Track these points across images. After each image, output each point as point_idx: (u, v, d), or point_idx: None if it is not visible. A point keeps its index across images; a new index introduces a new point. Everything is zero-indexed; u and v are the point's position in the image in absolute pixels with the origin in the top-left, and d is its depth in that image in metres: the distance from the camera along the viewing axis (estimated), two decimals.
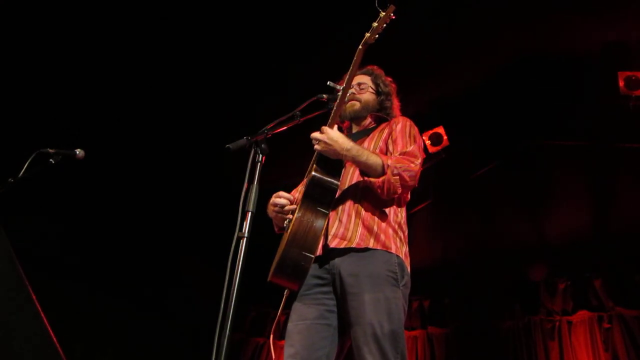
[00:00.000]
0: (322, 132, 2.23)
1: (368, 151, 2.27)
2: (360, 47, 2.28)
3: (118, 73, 4.70)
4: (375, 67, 2.66)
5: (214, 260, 3.40)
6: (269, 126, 2.00)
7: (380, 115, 2.62)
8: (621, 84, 4.51)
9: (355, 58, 2.28)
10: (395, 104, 2.68)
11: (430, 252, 6.12)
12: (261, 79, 4.83)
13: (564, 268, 5.78)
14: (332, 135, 2.22)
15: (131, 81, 4.75)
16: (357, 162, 2.24)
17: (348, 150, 2.21)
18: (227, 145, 1.85)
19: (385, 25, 2.23)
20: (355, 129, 2.61)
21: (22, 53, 4.37)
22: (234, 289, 1.64)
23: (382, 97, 2.64)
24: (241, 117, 4.81)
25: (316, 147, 2.24)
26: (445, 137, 5.35)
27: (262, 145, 1.90)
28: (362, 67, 2.66)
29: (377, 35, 2.25)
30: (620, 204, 5.45)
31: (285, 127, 2.07)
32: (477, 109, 5.22)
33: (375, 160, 2.23)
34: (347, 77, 2.30)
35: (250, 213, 1.77)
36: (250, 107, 4.92)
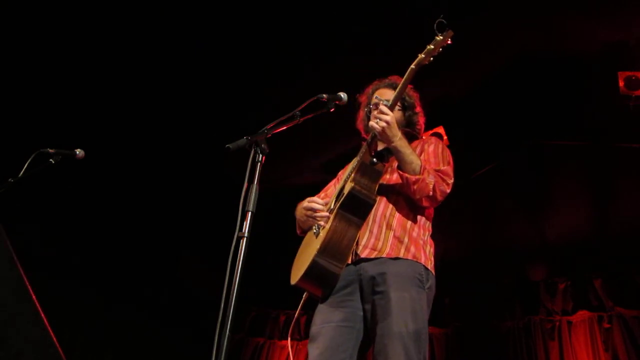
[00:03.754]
0: (385, 113, 2.24)
1: (411, 148, 2.31)
2: (412, 66, 2.26)
3: (118, 73, 4.70)
4: (397, 77, 2.60)
5: (214, 260, 3.40)
6: (269, 126, 2.00)
7: (410, 131, 2.61)
8: (621, 84, 4.51)
9: (405, 77, 2.28)
10: (420, 113, 2.69)
11: None
12: (261, 78, 4.83)
13: (564, 268, 5.78)
14: (394, 121, 2.25)
15: (131, 81, 4.75)
16: (399, 153, 2.26)
17: (400, 138, 2.26)
18: (227, 145, 1.84)
19: (441, 49, 2.21)
20: (382, 145, 2.53)
21: (22, 53, 4.37)
22: (234, 289, 1.64)
23: (409, 112, 2.64)
24: (242, 116, 4.81)
25: (375, 125, 2.25)
26: (445, 137, 5.35)
27: (262, 145, 1.89)
28: (382, 78, 2.67)
29: (431, 58, 2.23)
30: (620, 204, 5.45)
31: (285, 127, 2.07)
32: (477, 109, 5.22)
33: (416, 158, 2.27)
34: (394, 97, 2.33)
35: (250, 213, 1.76)
36: (251, 107, 4.92)
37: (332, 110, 2.25)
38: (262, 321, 6.90)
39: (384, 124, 2.23)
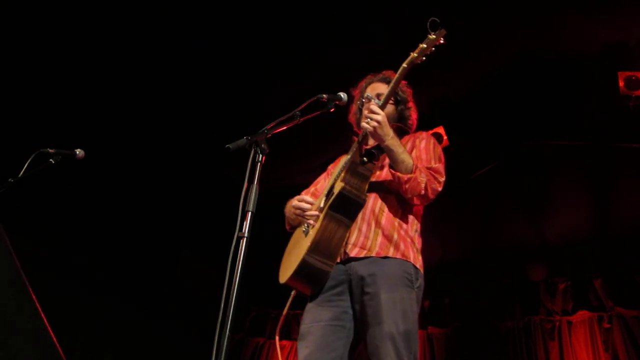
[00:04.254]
0: (376, 112, 2.24)
1: (403, 147, 2.30)
2: (404, 65, 2.26)
3: (118, 72, 4.69)
4: (390, 72, 2.59)
5: (214, 260, 3.40)
6: (269, 126, 2.00)
7: (401, 126, 2.61)
8: (621, 84, 4.51)
9: (397, 75, 2.28)
10: (413, 108, 2.67)
11: (430, 252, 6.10)
12: (262, 78, 4.83)
13: (564, 268, 5.78)
14: (386, 120, 2.25)
15: (131, 81, 4.75)
16: (392, 152, 2.27)
17: (392, 137, 2.26)
18: (227, 145, 1.84)
19: (433, 48, 2.21)
20: (372, 141, 2.48)
21: (22, 53, 4.37)
22: (234, 289, 1.64)
23: (402, 106, 2.63)
24: (242, 116, 4.81)
25: (366, 125, 2.25)
26: (445, 137, 5.35)
27: (262, 145, 1.89)
28: (376, 73, 2.66)
29: (424, 57, 2.23)
30: (620, 204, 5.45)
31: (285, 127, 2.07)
32: (477, 109, 5.22)
33: (408, 157, 2.27)
34: (386, 94, 2.33)
35: (250, 213, 1.76)
36: (251, 107, 4.92)
37: (332, 110, 2.25)
38: (262, 321, 6.90)
39: (375, 124, 2.23)
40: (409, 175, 2.24)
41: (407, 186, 2.25)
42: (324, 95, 2.27)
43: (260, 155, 1.88)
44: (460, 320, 6.07)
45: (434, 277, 5.87)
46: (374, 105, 2.28)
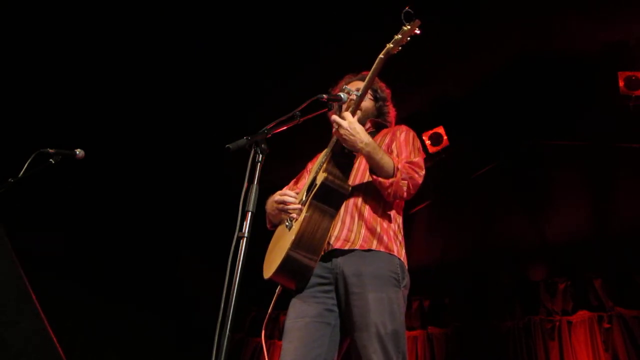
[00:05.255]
0: (344, 119, 2.26)
1: (382, 151, 2.31)
2: (381, 56, 2.27)
3: (118, 73, 4.70)
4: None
5: (214, 260, 3.40)
6: (269, 126, 2.00)
7: (379, 121, 2.64)
8: (621, 84, 4.51)
9: (374, 66, 2.29)
10: (391, 108, 2.71)
11: (430, 252, 6.12)
12: (261, 78, 4.83)
13: (564, 268, 5.78)
14: (355, 126, 2.26)
15: (131, 81, 4.75)
16: (371, 159, 2.27)
17: (367, 144, 2.25)
18: (227, 145, 1.84)
19: (409, 38, 2.22)
20: None
21: (22, 53, 4.37)
22: (234, 289, 1.64)
23: (380, 102, 2.67)
24: (241, 116, 4.81)
25: (335, 133, 2.28)
26: (445, 137, 5.35)
27: (262, 145, 1.89)
28: (356, 73, 2.68)
29: (400, 48, 2.24)
30: (620, 204, 5.45)
31: (285, 127, 2.07)
32: (477, 109, 5.22)
33: (388, 161, 2.27)
34: (365, 85, 2.33)
35: (250, 213, 1.76)
36: (250, 107, 4.92)
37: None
38: (262, 321, 6.87)
39: (343, 131, 2.24)
40: (390, 180, 2.24)
41: (389, 190, 2.26)
42: (324, 95, 2.28)
43: (260, 155, 1.88)
44: (460, 320, 6.07)
45: (434, 277, 5.91)
46: (335, 116, 2.30)
